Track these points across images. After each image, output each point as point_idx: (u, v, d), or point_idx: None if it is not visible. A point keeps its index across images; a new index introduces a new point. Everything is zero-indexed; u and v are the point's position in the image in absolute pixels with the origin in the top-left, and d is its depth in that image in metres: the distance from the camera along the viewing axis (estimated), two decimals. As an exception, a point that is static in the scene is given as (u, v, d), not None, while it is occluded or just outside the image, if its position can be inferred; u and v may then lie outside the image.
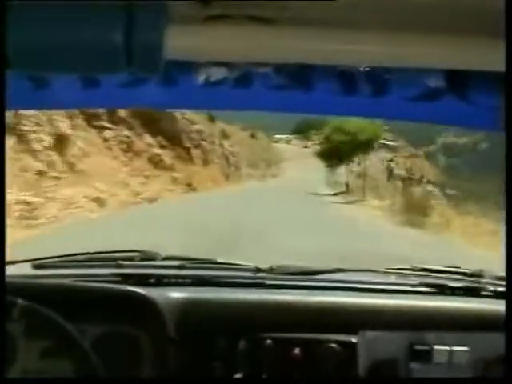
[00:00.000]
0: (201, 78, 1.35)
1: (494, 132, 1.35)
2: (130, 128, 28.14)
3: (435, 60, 1.13)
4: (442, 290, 2.00)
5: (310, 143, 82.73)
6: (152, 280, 1.97)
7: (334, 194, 39.72)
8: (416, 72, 1.25)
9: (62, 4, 0.89)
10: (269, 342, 1.84)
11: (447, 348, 1.85)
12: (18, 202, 13.82)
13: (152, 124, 29.82)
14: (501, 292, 1.96)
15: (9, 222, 10.92)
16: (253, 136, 61.07)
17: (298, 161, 67.35)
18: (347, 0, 1.00)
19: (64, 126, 20.02)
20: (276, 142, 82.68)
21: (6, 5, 0.86)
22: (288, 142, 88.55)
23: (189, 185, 31.06)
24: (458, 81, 1.28)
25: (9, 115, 14.10)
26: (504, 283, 1.99)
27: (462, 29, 1.05)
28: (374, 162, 46.31)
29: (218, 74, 1.33)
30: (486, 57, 1.09)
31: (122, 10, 0.89)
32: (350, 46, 1.10)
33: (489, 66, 1.11)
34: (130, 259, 2.11)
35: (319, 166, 52.49)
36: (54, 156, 18.48)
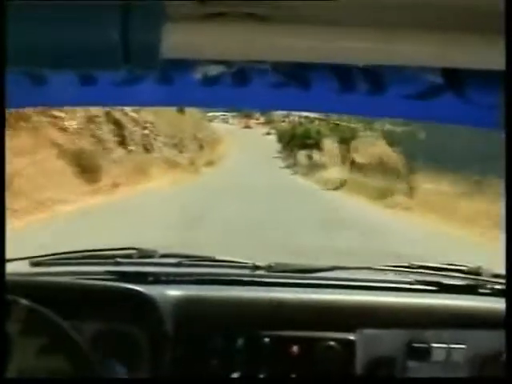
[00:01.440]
0: (198, 76, 1.35)
1: (494, 130, 1.35)
2: None
3: (433, 58, 1.13)
4: (440, 288, 2.00)
5: (252, 122, 65.87)
6: (150, 278, 1.97)
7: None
8: (413, 70, 1.25)
9: (60, 2, 0.89)
10: (267, 339, 1.85)
11: (445, 346, 1.85)
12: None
13: None
14: (498, 290, 1.97)
15: None
16: (181, 111, 37.36)
17: (242, 145, 45.33)
18: None
19: None
20: (210, 120, 58.81)
21: (6, 5, 0.86)
22: (225, 120, 66.39)
23: None
24: (456, 79, 1.28)
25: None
26: (502, 281, 1.99)
27: (460, 27, 1.05)
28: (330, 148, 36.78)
29: (215, 72, 1.33)
30: (485, 55, 1.09)
31: (119, 8, 0.89)
32: (348, 44, 1.10)
33: (487, 64, 1.11)
34: (128, 257, 2.11)
35: (270, 151, 41.77)
36: None
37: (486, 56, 1.08)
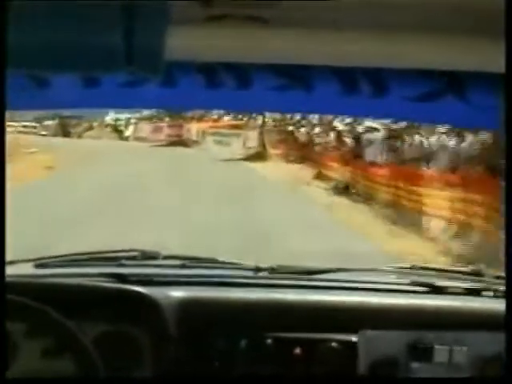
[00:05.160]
0: (202, 79, 1.35)
1: (494, 131, 1.36)
2: None
3: (436, 60, 1.13)
4: (442, 289, 2.00)
5: (166, 131, 27.80)
6: (153, 279, 1.97)
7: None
8: (416, 72, 1.26)
9: (63, 4, 0.89)
10: (269, 341, 1.85)
11: (447, 347, 1.86)
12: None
13: None
14: (500, 291, 1.97)
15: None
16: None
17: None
18: (347, 1, 1.00)
19: None
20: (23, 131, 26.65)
21: (6, 5, 0.87)
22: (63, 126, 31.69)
23: None
24: (457, 81, 1.28)
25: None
26: (504, 282, 1.99)
27: (462, 29, 1.05)
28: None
29: (218, 74, 1.34)
30: (487, 57, 1.09)
31: (122, 10, 0.89)
32: (351, 47, 1.10)
33: (489, 66, 1.11)
34: (132, 258, 2.11)
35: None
36: None
37: (489, 58, 1.08)
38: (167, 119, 28.60)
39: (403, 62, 1.14)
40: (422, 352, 1.86)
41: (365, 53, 1.11)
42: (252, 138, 23.15)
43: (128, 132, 30.66)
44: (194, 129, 26.65)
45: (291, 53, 1.12)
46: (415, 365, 1.86)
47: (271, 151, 21.62)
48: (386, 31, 1.07)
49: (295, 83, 1.36)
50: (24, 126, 28.52)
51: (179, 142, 26.24)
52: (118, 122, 31.63)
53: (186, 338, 1.83)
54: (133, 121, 30.74)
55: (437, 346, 1.85)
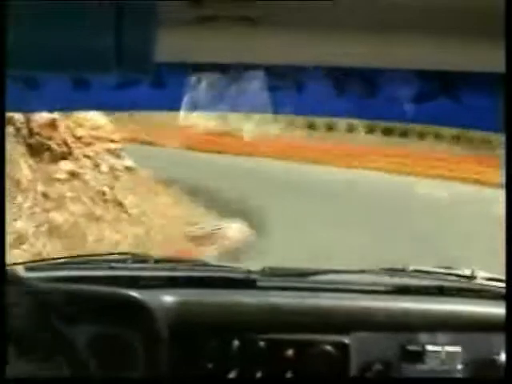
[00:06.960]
0: (192, 80, 1.35)
1: (488, 132, 1.36)
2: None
3: (430, 61, 1.13)
4: (434, 291, 2.00)
5: None
6: (144, 283, 1.97)
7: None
8: (407, 73, 1.25)
9: (52, 5, 0.89)
10: (261, 343, 1.84)
11: (439, 349, 1.86)
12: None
13: None
14: (493, 293, 1.97)
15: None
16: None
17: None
18: (339, 1, 0.99)
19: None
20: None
21: (6, 5, 0.86)
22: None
23: None
24: (449, 81, 1.28)
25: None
26: (497, 284, 1.99)
27: (457, 29, 1.05)
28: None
29: (209, 75, 1.33)
30: (482, 58, 1.09)
31: (111, 11, 0.89)
32: (342, 47, 1.10)
33: (484, 66, 1.11)
34: (122, 262, 2.11)
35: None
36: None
37: (484, 59, 1.08)
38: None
39: (397, 63, 1.13)
40: (414, 353, 1.86)
41: (358, 54, 1.10)
42: None
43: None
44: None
45: (283, 53, 1.12)
46: (407, 366, 1.86)
47: None
48: (380, 32, 1.06)
49: (286, 84, 1.36)
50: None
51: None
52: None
53: (177, 341, 1.83)
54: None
55: (429, 348, 1.85)
